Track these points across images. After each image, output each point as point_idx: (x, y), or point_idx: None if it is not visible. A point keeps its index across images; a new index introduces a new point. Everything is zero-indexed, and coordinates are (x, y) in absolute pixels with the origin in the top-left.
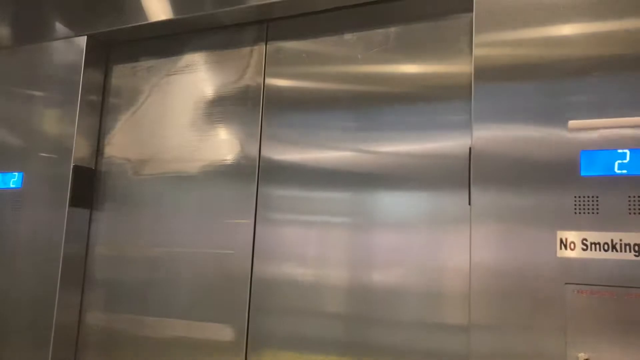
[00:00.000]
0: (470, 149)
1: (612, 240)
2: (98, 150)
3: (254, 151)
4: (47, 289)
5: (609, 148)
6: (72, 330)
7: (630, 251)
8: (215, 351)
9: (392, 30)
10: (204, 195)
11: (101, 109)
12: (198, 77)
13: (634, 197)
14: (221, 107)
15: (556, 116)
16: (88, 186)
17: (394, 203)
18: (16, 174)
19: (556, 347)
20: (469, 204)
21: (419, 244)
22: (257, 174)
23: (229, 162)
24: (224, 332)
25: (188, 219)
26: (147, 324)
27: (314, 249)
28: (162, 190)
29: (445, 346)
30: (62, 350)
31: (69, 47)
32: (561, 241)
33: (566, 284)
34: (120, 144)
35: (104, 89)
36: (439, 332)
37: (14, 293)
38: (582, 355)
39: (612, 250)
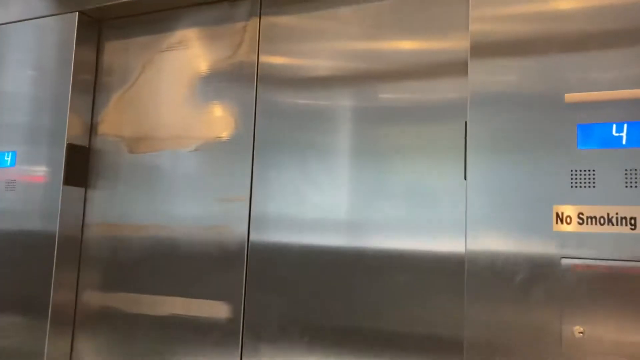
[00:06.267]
0: (465, 123)
1: (608, 214)
2: (92, 128)
3: (249, 128)
4: (43, 269)
5: (606, 121)
6: (69, 308)
7: (626, 225)
8: (212, 328)
9: (387, 4)
10: (199, 172)
11: (94, 86)
12: (191, 54)
13: (631, 170)
14: (215, 84)
15: (553, 90)
16: (82, 164)
17: (389, 186)
18: (9, 153)
19: (551, 321)
20: (465, 178)
21: (415, 221)
22: (252, 150)
23: (224, 138)
24: (221, 309)
25: (183, 195)
26: (143, 302)
27: (311, 223)
28: (157, 168)
29: (441, 317)
30: (60, 329)
31: (60, 24)
32: (557, 215)
33: (562, 258)
34: (114, 122)
35: (97, 67)
36: (435, 301)
37: (10, 273)
38: (577, 328)
39: (608, 224)
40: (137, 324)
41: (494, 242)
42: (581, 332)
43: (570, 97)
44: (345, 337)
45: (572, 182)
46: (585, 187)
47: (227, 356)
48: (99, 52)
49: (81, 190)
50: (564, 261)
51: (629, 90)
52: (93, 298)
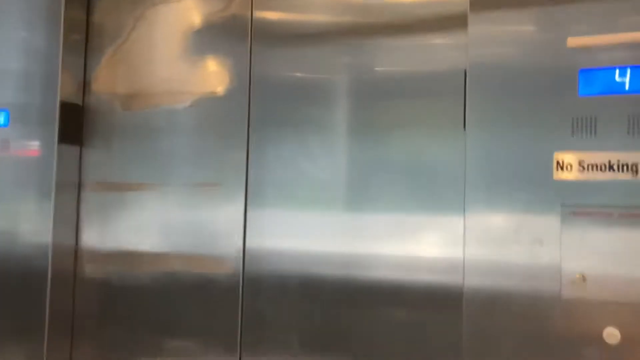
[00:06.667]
0: (465, 71)
1: (609, 161)
2: (85, 86)
3: (244, 80)
4: (41, 227)
5: (609, 66)
6: (69, 274)
7: (628, 171)
8: (211, 286)
9: None
10: (195, 127)
11: (86, 44)
12: (184, 6)
13: (634, 116)
14: (209, 38)
15: (554, 34)
16: (76, 123)
17: (390, 134)
18: (1, 111)
19: (551, 267)
20: (464, 129)
21: (414, 170)
22: (247, 104)
23: (219, 93)
24: (218, 266)
25: (179, 151)
26: (141, 258)
27: (309, 175)
28: (152, 124)
29: (439, 252)
30: (60, 280)
31: None
32: (558, 163)
33: (562, 206)
34: (107, 80)
35: (87, 24)
36: (433, 233)
37: (7, 233)
38: (578, 276)
39: (610, 171)
40: (135, 280)
41: (493, 195)
42: (582, 280)
43: (572, 41)
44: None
45: (573, 130)
46: (586, 134)
47: None
48: (89, 9)
49: (76, 149)
50: (564, 209)
51: (632, 33)
52: (91, 255)
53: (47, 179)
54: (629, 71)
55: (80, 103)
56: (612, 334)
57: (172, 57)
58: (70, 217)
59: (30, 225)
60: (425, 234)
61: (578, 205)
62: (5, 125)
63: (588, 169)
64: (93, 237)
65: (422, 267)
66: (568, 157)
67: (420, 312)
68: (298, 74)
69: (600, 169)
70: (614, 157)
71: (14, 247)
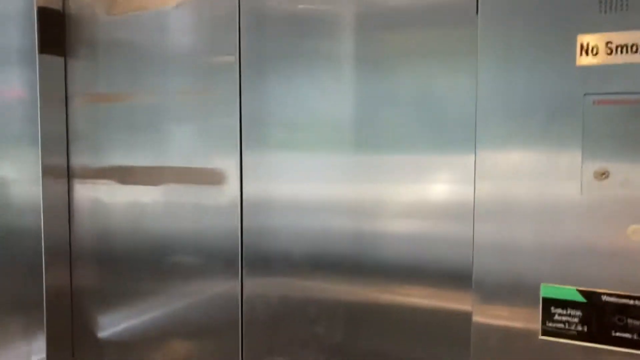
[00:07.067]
0: None
1: None
2: None
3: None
4: (28, 150)
5: None
6: (62, 195)
7: None
8: (208, 202)
9: None
10: (183, 33)
11: None
12: None
13: None
14: None
15: None
16: (58, 30)
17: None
18: None
19: (571, 162)
20: (477, 13)
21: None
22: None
23: None
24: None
25: (168, 59)
26: (138, 172)
27: (310, 112)
28: (139, 31)
29: (450, 169)
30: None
31: None
32: (582, 47)
33: (585, 95)
34: None
35: None
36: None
37: None
38: (600, 170)
39: None
40: (132, 192)
41: (508, 83)
42: (604, 174)
43: None
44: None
45: (600, 6)
46: (616, 10)
47: None
48: None
49: (60, 59)
50: (587, 98)
51: None
52: (84, 174)
53: (32, 91)
54: None
55: (60, 9)
56: (637, 231)
57: None
58: (59, 134)
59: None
60: (437, 172)
61: (603, 93)
62: None
63: (616, 52)
64: (84, 155)
65: (434, 210)
66: (594, 39)
67: (431, 259)
68: (299, 5)
69: (631, 50)
70: None
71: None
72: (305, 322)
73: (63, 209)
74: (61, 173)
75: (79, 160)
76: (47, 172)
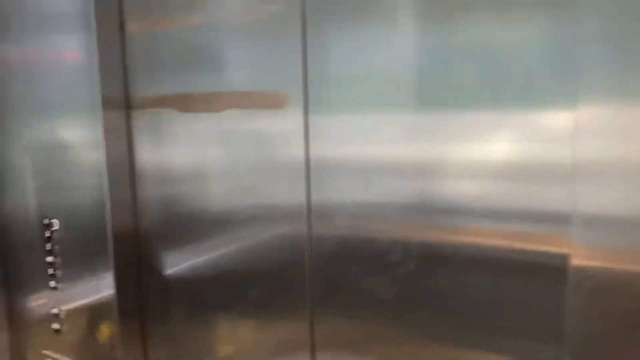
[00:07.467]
0: None
1: None
2: None
3: None
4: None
5: None
6: (121, 126)
7: None
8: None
9: None
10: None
11: None
12: None
13: None
14: None
15: None
16: None
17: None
18: None
19: None
20: None
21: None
22: None
23: None
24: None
25: None
26: (198, 99)
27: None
28: None
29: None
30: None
31: None
32: None
33: None
34: None
35: None
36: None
37: None
38: None
39: None
40: (190, 119)
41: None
42: None
43: None
44: None
45: None
46: None
47: None
48: None
49: None
50: None
51: None
52: (144, 105)
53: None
54: None
55: None
56: None
57: None
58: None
59: None
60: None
61: None
62: None
63: None
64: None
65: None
66: None
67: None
68: None
69: None
70: None
71: None
72: (374, 259)
73: (122, 140)
74: (119, 103)
75: (138, 89)
76: (107, 102)
